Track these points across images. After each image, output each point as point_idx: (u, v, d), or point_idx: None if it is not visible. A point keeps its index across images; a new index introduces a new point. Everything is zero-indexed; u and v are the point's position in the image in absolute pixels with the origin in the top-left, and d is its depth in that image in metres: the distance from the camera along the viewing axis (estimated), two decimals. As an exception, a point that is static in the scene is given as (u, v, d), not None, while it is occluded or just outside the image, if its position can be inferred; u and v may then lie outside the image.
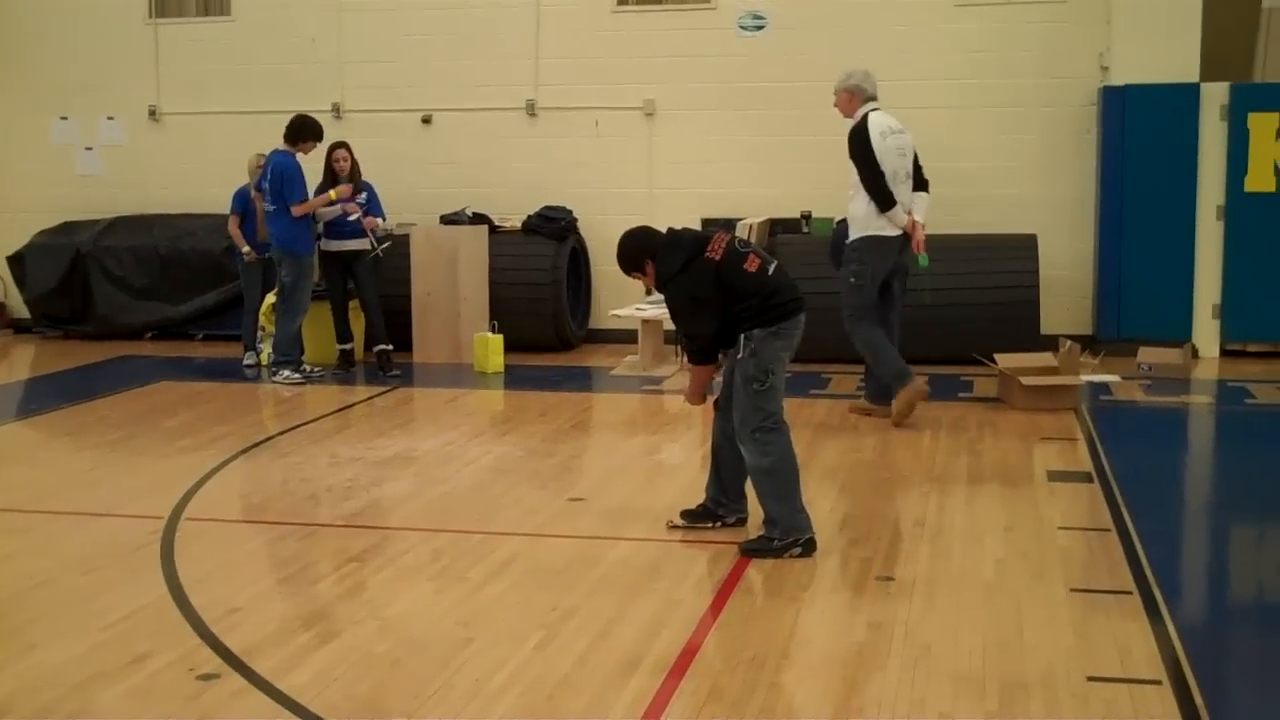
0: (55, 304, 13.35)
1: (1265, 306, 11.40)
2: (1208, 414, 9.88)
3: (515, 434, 8.96)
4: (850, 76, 9.07)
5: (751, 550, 6.10)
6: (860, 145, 8.86)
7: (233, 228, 11.49)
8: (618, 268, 6.42)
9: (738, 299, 6.08)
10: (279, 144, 10.83)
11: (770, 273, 6.18)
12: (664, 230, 6.41)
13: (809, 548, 6.08)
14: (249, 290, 11.54)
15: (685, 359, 6.42)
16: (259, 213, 11.27)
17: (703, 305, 6.11)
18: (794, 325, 6.19)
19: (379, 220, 11.29)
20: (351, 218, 10.98)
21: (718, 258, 6.11)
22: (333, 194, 10.87)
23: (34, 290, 13.39)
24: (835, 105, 9.14)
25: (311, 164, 11.06)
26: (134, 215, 13.44)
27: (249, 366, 11.44)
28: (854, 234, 8.99)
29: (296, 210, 10.65)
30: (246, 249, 11.35)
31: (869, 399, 9.27)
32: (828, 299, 9.65)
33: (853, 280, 8.97)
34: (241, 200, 11.47)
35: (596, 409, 10.25)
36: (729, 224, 10.61)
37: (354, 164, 11.18)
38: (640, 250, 6.28)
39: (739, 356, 6.11)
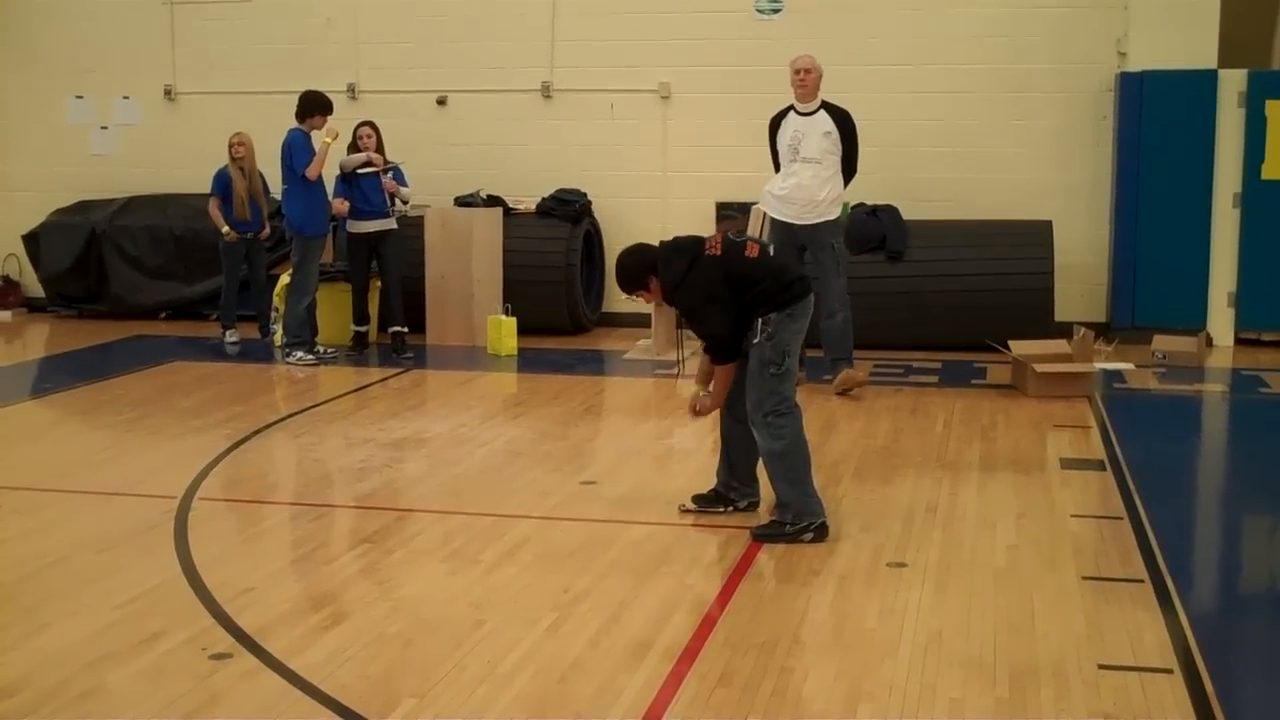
0: (70, 283, 13.38)
1: (1281, 295, 11.37)
2: (1222, 403, 9.84)
3: (528, 417, 8.97)
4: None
5: (763, 535, 6.10)
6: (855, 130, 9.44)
7: (213, 208, 11.66)
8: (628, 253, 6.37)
9: (749, 286, 6.05)
10: (293, 124, 10.85)
11: (772, 254, 6.23)
12: (656, 244, 6.37)
13: (821, 533, 6.08)
14: (230, 271, 11.73)
15: (707, 357, 6.33)
16: (237, 194, 11.50)
17: (717, 302, 6.05)
18: (806, 306, 6.19)
19: (401, 187, 11.30)
20: (374, 169, 10.97)
21: (719, 253, 6.09)
22: (326, 138, 10.76)
23: (49, 269, 13.42)
24: (805, 82, 9.37)
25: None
26: (149, 195, 13.45)
27: (231, 344, 11.59)
28: (834, 213, 9.42)
29: (310, 172, 10.64)
30: (226, 229, 11.52)
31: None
32: (849, 283, 9.71)
33: (841, 257, 9.50)
34: (221, 182, 11.60)
35: (609, 392, 10.25)
36: (743, 208, 10.60)
37: (380, 142, 11.18)
38: (641, 265, 6.21)
39: (755, 341, 6.08)
